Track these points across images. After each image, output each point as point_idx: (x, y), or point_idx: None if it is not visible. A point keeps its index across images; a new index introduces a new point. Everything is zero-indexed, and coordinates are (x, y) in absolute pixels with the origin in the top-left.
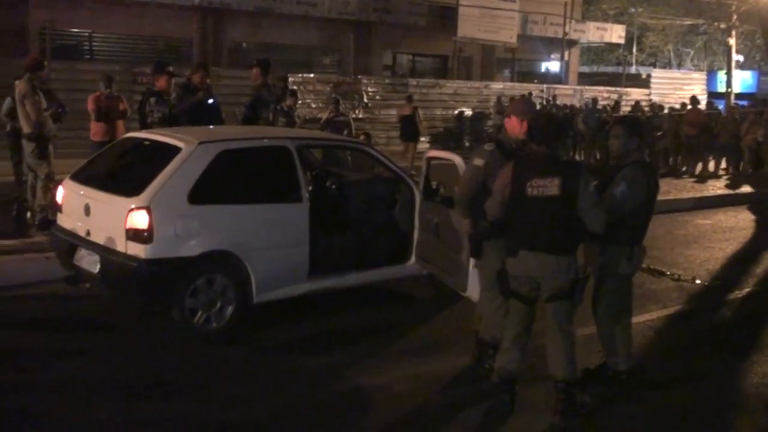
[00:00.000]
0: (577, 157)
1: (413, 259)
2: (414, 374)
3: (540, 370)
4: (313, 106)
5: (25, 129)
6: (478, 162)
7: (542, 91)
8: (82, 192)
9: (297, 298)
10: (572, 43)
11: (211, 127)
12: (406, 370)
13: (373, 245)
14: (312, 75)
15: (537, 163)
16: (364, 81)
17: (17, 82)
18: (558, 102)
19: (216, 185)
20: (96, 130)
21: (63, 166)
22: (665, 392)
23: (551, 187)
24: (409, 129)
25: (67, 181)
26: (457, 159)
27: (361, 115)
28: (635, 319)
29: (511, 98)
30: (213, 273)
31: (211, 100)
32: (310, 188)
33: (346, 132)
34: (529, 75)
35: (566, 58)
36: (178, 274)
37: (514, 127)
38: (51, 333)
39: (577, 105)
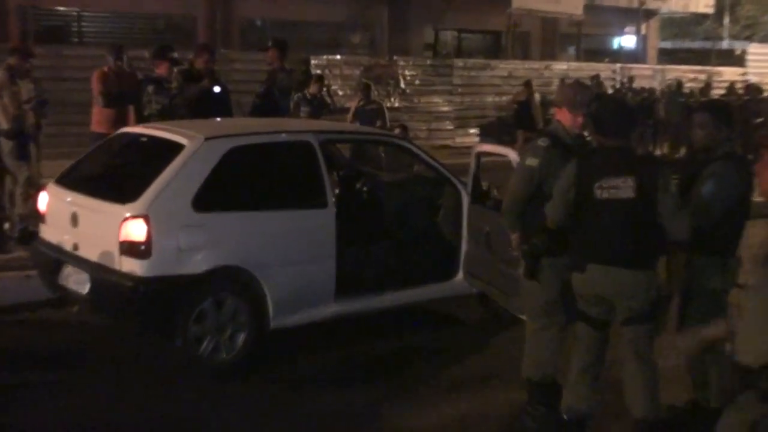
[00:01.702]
0: (657, 152)
1: (461, 275)
2: (461, 413)
3: (616, 407)
4: (341, 93)
5: (3, 125)
6: (531, 162)
7: (615, 72)
8: (68, 198)
9: (322, 322)
10: (651, 14)
11: (219, 119)
12: (451, 409)
13: (413, 259)
14: (339, 57)
15: (607, 159)
16: (401, 63)
17: None
18: (634, 85)
19: (225, 189)
20: (100, 118)
21: (46, 168)
22: None
23: (625, 188)
24: (525, 116)
25: (51, 186)
26: (512, 154)
27: (397, 104)
28: None
29: (561, 80)
30: (222, 293)
31: (217, 89)
32: (337, 191)
33: (378, 123)
34: (599, 53)
35: (643, 31)
36: (181, 294)
37: (566, 120)
38: (32, 366)
39: (658, 88)
